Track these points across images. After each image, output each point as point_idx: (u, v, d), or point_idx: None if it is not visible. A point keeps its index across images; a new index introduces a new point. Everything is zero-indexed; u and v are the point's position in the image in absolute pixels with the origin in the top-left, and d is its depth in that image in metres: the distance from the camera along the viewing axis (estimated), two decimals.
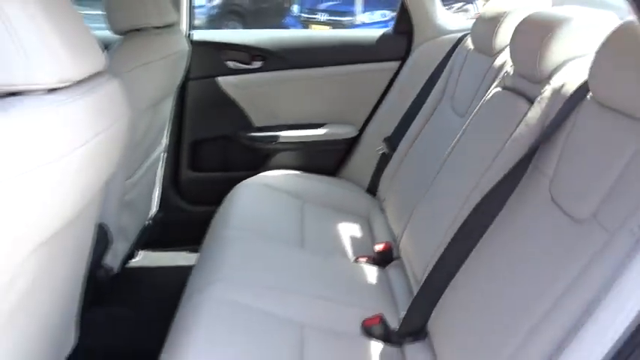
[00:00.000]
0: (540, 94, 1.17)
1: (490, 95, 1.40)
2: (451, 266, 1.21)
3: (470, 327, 1.09)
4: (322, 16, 7.78)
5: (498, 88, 1.39)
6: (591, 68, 0.97)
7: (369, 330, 1.31)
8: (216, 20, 8.24)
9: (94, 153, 0.84)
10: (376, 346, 1.28)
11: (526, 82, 1.26)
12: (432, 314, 1.25)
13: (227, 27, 8.04)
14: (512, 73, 1.36)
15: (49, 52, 0.73)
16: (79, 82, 0.81)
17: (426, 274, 1.27)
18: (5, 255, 0.72)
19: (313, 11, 7.96)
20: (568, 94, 1.07)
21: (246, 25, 8.28)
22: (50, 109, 0.74)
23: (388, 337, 1.30)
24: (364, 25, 7.07)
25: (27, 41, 0.71)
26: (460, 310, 1.16)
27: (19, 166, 0.69)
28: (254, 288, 1.34)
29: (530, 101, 1.21)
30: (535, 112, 1.15)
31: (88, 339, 1.36)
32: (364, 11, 7.32)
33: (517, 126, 1.19)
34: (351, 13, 7.39)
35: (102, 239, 1.48)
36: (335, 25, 7.15)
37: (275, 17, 8.84)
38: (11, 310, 0.81)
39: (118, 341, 1.54)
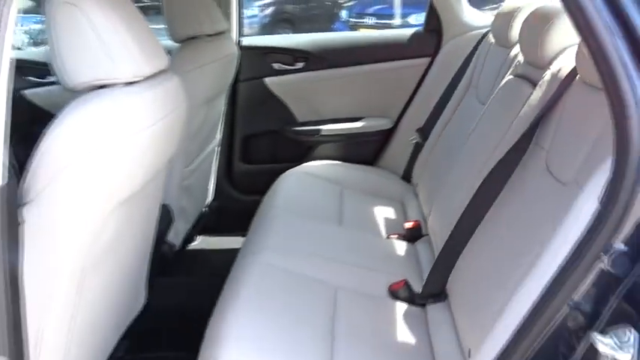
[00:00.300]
0: (542, 78, 1.31)
1: (503, 82, 1.54)
2: (465, 233, 1.36)
3: (477, 285, 1.24)
4: (370, 20, 7.95)
5: (511, 76, 1.53)
6: (577, 52, 1.12)
7: (395, 293, 1.48)
8: (267, 28, 8.53)
9: (158, 133, 1.07)
10: (401, 307, 1.44)
11: (532, 69, 1.40)
12: (450, 277, 1.40)
13: (278, 34, 8.32)
14: (522, 62, 1.50)
15: (127, 54, 0.96)
16: (148, 78, 1.04)
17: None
18: (97, 208, 0.95)
19: (361, 15, 8.14)
20: (563, 77, 1.21)
21: (297, 32, 8.53)
22: (129, 98, 0.98)
23: (412, 299, 1.47)
24: (411, 26, 7.17)
25: (110, 45, 0.94)
26: (471, 272, 1.31)
27: (107, 140, 0.92)
28: (295, 256, 1.53)
29: (534, 85, 1.35)
30: (536, 95, 1.30)
31: (154, 302, 1.60)
32: (411, 13, 7.42)
33: (522, 107, 1.34)
34: (399, 16, 7.51)
35: (165, 217, 1.72)
36: (382, 28, 7.28)
37: (325, 23, 9.06)
38: (99, 255, 1.04)
39: (179, 303, 1.78)
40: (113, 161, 0.94)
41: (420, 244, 1.75)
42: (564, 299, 0.74)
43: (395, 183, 2.23)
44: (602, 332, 0.71)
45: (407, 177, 2.23)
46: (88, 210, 0.93)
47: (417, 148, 2.17)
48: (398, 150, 2.34)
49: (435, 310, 1.42)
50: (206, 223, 2.30)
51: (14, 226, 0.86)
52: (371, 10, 8.21)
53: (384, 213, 1.98)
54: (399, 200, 2.11)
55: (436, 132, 2.05)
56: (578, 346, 0.74)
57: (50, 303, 0.91)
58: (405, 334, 1.34)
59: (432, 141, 2.06)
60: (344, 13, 8.61)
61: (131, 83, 0.99)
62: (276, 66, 2.36)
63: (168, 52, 1.45)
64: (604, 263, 0.71)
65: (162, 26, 1.75)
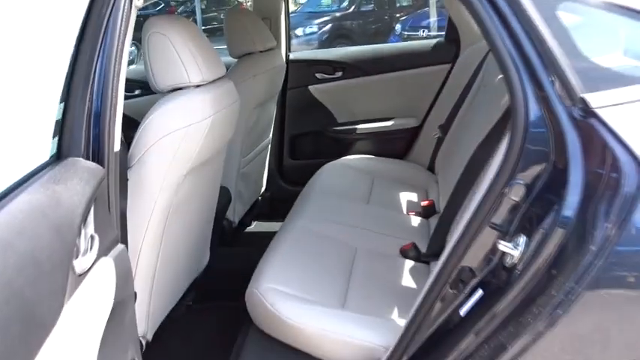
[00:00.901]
0: None
1: (497, 79, 1.87)
2: (456, 203, 1.69)
3: None
4: (423, 32, 8.26)
5: None
6: None
7: (404, 253, 1.82)
8: (325, 44, 9.00)
9: (217, 121, 1.48)
10: (409, 263, 1.79)
11: None
12: (447, 240, 1.73)
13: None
14: None
15: (196, 67, 1.39)
16: (211, 82, 1.47)
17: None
18: (176, 171, 1.38)
19: (415, 29, 8.46)
20: None
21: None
22: (197, 96, 1.40)
23: (418, 257, 1.81)
24: None
25: (185, 61, 1.37)
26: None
27: (182, 124, 1.35)
28: (324, 223, 1.91)
29: None
30: None
31: (215, 265, 2.01)
32: None
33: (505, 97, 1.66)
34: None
35: (225, 196, 2.15)
36: (435, 39, 7.53)
37: (380, 37, 9.42)
38: (177, 207, 1.47)
39: (236, 267, 2.18)
40: (186, 139, 1.37)
41: (432, 219, 2.08)
42: (484, 221, 1.08)
43: (420, 173, 2.56)
44: (509, 241, 1.05)
45: (431, 168, 2.56)
46: (169, 172, 1.36)
47: (439, 142, 2.50)
48: (424, 145, 2.67)
49: (436, 266, 1.75)
50: (260, 211, 2.73)
51: (124, 181, 1.30)
52: (424, 22, 8.51)
53: (407, 196, 2.32)
54: (423, 187, 2.44)
55: (454, 127, 2.37)
56: (496, 253, 1.08)
57: (144, 232, 1.35)
58: (408, 282, 1.69)
59: (450, 135, 2.39)
60: (398, 27, 8.95)
61: (199, 86, 1.42)
62: (318, 75, 2.77)
63: (227, 66, 1.89)
64: (508, 194, 1.05)
65: (223, 47, 2.21)
